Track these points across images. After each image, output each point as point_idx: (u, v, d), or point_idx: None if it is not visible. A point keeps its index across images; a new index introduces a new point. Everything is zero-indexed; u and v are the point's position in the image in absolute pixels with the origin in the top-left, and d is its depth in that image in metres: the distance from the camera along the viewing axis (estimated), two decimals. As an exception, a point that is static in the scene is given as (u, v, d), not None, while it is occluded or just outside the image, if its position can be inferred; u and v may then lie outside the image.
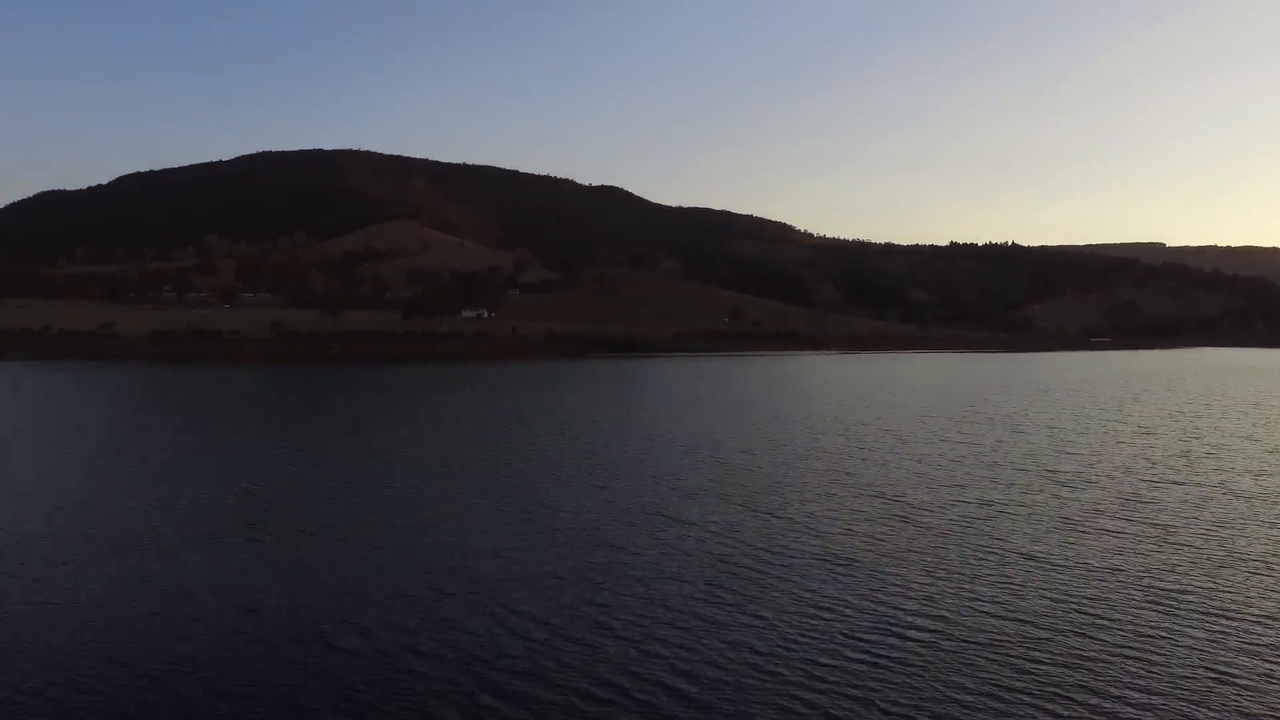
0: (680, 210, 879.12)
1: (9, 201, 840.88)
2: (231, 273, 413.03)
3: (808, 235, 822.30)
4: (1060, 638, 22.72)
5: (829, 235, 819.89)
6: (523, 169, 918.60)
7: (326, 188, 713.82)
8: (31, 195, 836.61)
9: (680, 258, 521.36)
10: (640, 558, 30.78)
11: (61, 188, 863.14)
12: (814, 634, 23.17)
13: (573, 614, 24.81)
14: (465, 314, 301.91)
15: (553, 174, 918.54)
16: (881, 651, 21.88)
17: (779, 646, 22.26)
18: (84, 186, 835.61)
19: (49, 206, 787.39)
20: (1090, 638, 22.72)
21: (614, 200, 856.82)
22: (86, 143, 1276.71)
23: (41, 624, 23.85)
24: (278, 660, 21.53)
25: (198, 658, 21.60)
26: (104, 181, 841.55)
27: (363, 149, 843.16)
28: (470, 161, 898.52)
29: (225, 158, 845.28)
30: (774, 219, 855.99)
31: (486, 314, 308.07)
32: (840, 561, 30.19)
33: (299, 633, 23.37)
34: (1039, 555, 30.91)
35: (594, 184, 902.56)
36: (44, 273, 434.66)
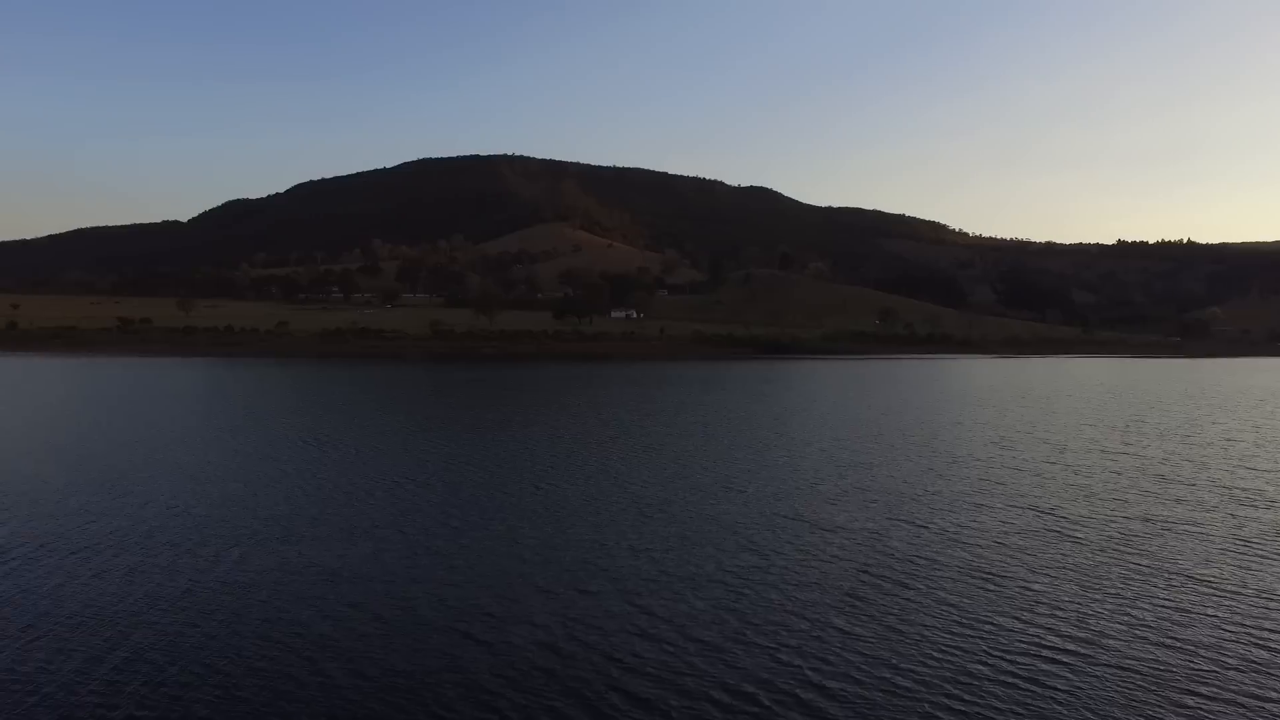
0: (830, 210, 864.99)
1: (201, 210, 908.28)
2: (394, 274, 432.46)
3: (963, 235, 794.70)
4: (1229, 672, 21.07)
5: (986, 235, 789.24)
6: (672, 171, 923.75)
7: (483, 192, 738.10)
8: (219, 204, 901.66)
9: (830, 258, 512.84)
10: (780, 563, 30.50)
11: (245, 196, 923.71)
12: (956, 651, 22.36)
13: (709, 618, 24.81)
14: (614, 314, 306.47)
15: (702, 175, 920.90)
16: (1027, 674, 20.90)
17: (919, 663, 21.61)
18: (264, 195, 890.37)
19: (234, 214, 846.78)
20: (1266, 674, 21.05)
21: (763, 201, 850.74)
22: (267, 155, 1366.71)
23: (211, 602, 25.59)
24: (421, 649, 22.38)
25: (347, 641, 22.76)
26: (281, 190, 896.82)
27: (518, 154, 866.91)
28: (621, 164, 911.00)
29: (389, 165, 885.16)
30: (927, 218, 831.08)
31: (635, 314, 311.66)
32: (988, 576, 29.04)
33: (442, 623, 24.23)
34: (1209, 579, 28.82)
35: (743, 185, 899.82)
36: (229, 275, 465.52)
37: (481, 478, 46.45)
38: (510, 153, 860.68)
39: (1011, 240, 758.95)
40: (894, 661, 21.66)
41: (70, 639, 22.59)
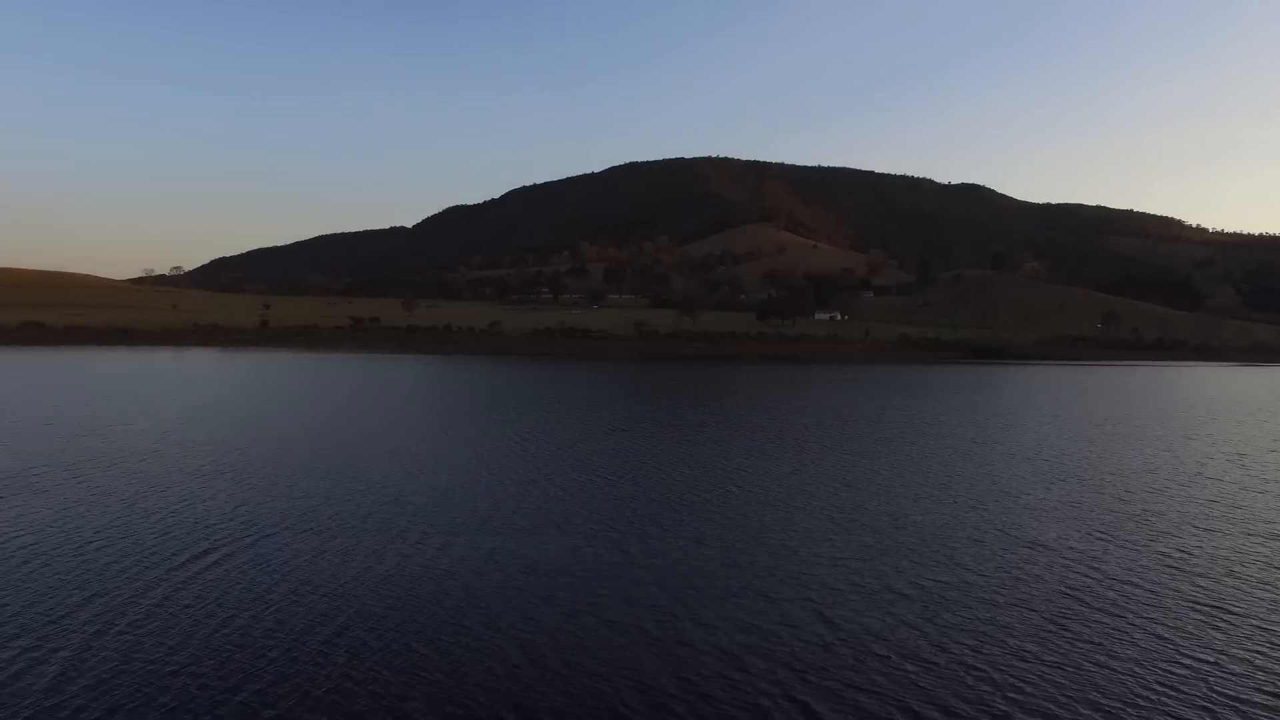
0: (1048, 207, 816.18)
1: (424, 216, 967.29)
2: (601, 276, 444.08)
3: (1200, 231, 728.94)
4: None
5: (1228, 230, 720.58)
6: (879, 169, 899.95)
7: (687, 194, 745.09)
8: (441, 210, 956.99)
9: (1047, 258, 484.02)
10: (979, 580, 29.50)
11: (463, 203, 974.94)
12: (1178, 689, 20.94)
13: (900, 634, 24.41)
14: (818, 316, 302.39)
15: (910, 173, 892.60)
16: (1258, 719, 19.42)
17: (1128, 702, 20.35)
18: (481, 201, 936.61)
19: (453, 219, 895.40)
20: None
21: (975, 198, 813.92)
22: (484, 164, 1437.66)
23: (413, 586, 27.58)
24: (607, 647, 23.25)
25: (536, 634, 23.93)
26: (496, 196, 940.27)
27: (721, 156, 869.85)
28: (825, 164, 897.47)
29: (597, 170, 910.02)
30: (1158, 214, 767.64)
31: (839, 316, 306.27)
32: (1216, 609, 26.90)
33: (630, 623, 25.02)
34: None
35: (953, 182, 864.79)
36: (448, 277, 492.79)
37: (678, 478, 47.31)
38: (714, 155, 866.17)
39: (1260, 235, 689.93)
40: (1098, 699, 20.55)
41: (291, 610, 25.22)
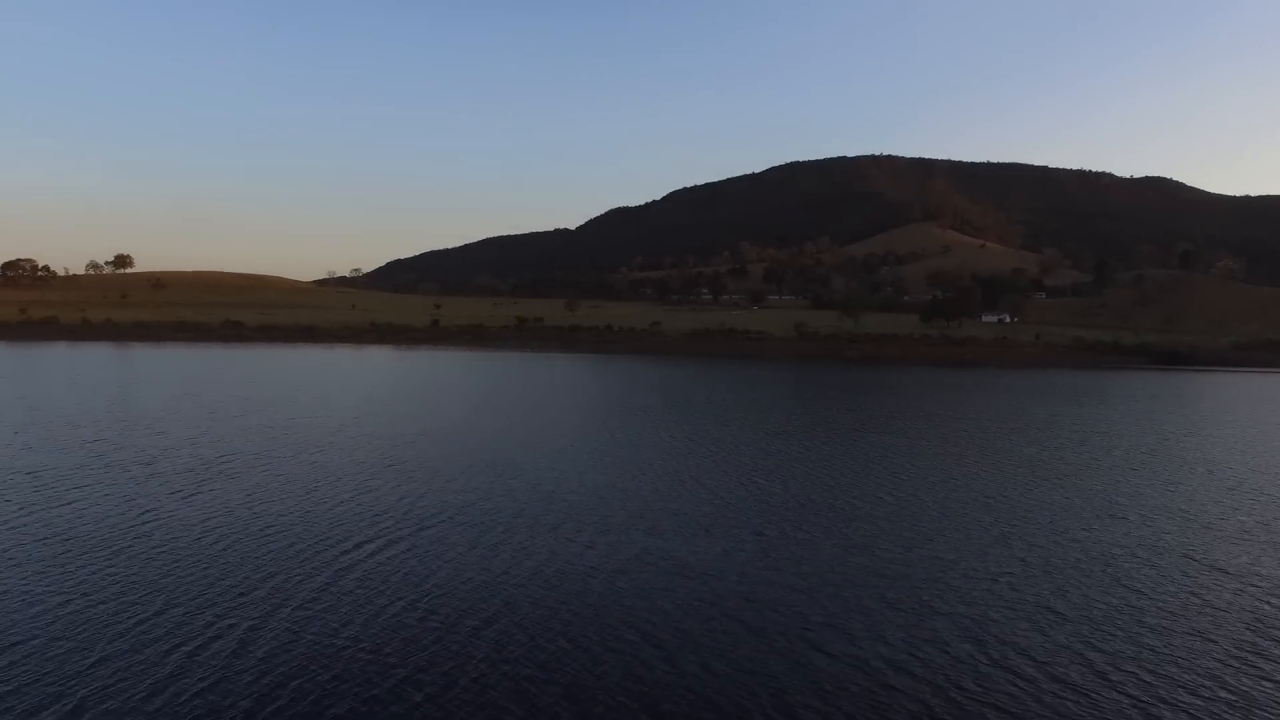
0: (1246, 200, 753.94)
1: (587, 218, 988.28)
2: (761, 276, 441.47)
3: None
4: None
5: None
6: (1053, 164, 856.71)
7: (849, 193, 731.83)
8: (603, 212, 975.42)
9: (1244, 257, 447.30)
10: (1157, 604, 27.58)
11: (625, 204, 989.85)
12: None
13: (1067, 657, 23.09)
14: (986, 318, 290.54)
15: (1087, 167, 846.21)
16: None
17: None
18: (642, 202, 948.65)
19: (615, 221, 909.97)
20: None
21: (1160, 192, 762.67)
22: (646, 165, 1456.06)
23: (578, 584, 28.11)
24: (763, 651, 23.05)
25: (695, 635, 23.96)
26: (658, 197, 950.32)
27: (885, 154, 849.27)
28: (994, 159, 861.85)
29: (758, 170, 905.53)
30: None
31: (1008, 318, 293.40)
32: None
33: (786, 628, 24.73)
34: None
35: (1136, 175, 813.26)
36: (610, 278, 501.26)
37: (836, 482, 46.47)
38: (877, 153, 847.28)
39: None
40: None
41: (445, 599, 26.20)
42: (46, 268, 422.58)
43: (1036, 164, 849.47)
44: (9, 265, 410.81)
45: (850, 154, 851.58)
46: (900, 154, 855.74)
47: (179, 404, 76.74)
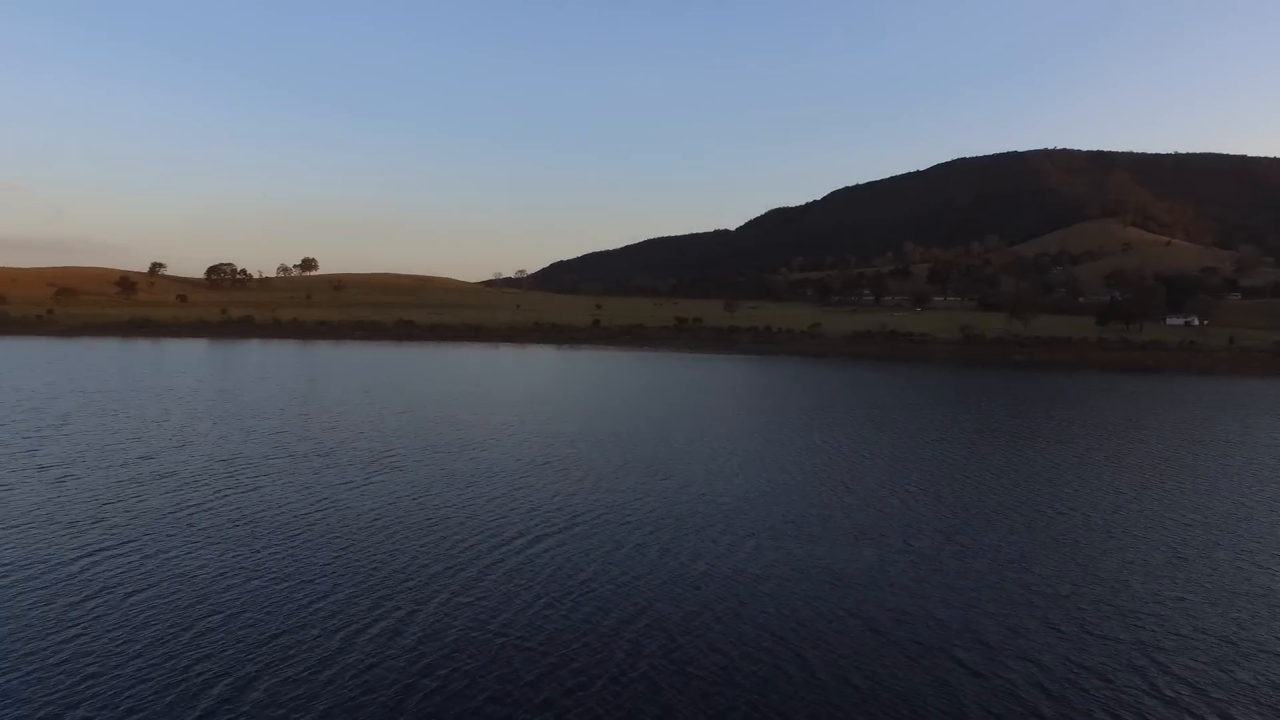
0: None
1: (747, 219, 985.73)
2: (924, 277, 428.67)
3: None
4: None
5: None
6: (1251, 152, 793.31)
7: (1019, 190, 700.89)
8: (762, 213, 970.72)
9: None
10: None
11: (785, 205, 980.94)
12: None
13: (1268, 695, 21.61)
14: (1171, 321, 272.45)
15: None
16: None
17: None
18: (803, 203, 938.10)
19: (775, 222, 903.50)
20: None
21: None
22: (807, 165, 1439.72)
23: (724, 587, 28.32)
24: (910, 666, 22.66)
25: (840, 646, 23.80)
26: (818, 197, 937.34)
27: (1059, 147, 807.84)
28: (1183, 150, 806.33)
29: (922, 168, 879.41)
30: None
31: (1197, 321, 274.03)
32: None
33: (935, 644, 24.18)
34: None
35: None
36: (769, 279, 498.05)
37: (997, 494, 44.79)
38: (1050, 146, 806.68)
39: None
40: None
41: (611, 598, 26.96)
42: (244, 271, 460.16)
43: (1232, 153, 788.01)
44: (213, 269, 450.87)
45: (1021, 149, 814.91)
46: (1076, 147, 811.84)
47: (354, 399, 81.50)
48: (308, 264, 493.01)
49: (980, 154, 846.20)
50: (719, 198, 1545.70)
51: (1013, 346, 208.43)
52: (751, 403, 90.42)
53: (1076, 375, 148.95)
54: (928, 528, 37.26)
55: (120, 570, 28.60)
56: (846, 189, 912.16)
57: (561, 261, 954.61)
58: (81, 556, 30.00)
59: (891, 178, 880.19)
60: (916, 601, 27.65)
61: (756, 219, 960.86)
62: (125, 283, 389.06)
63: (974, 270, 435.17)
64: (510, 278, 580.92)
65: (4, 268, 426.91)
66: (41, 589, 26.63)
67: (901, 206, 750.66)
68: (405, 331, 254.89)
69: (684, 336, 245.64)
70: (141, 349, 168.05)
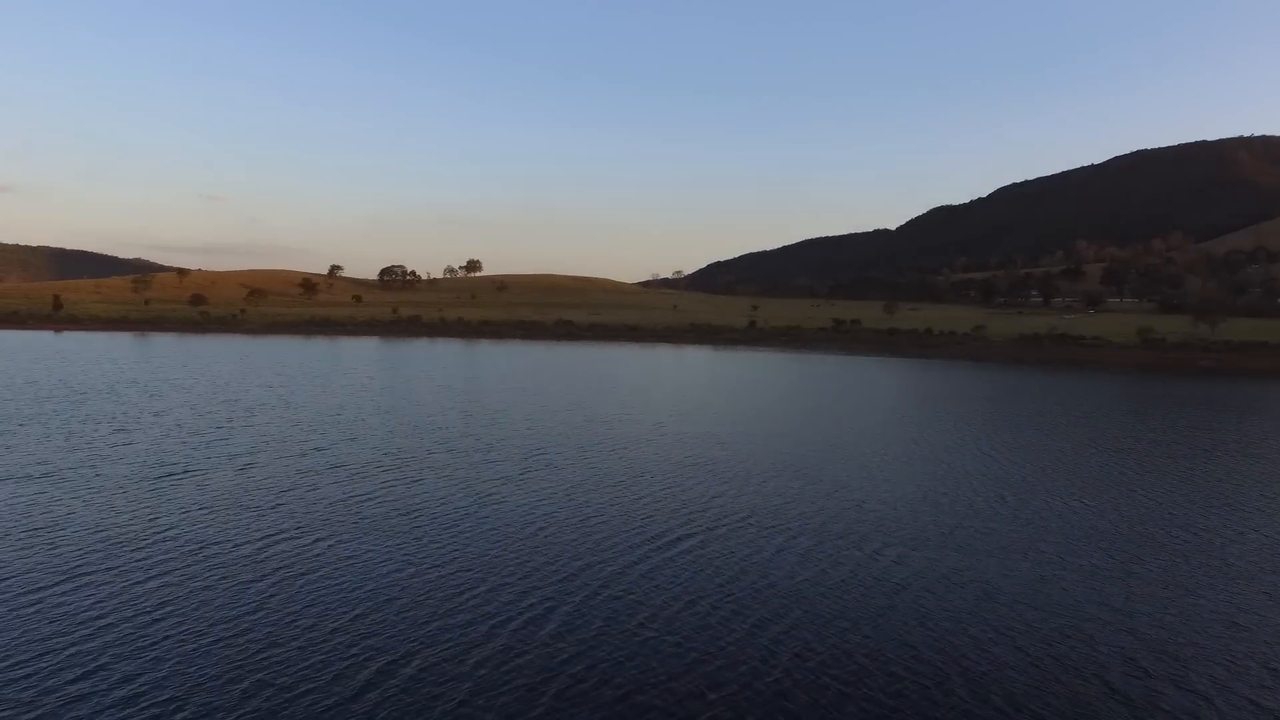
0: None
1: (908, 218, 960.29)
2: (1098, 277, 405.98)
3: None
4: None
5: None
6: None
7: (1208, 182, 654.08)
8: (924, 211, 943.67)
9: None
10: None
11: (948, 203, 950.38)
12: None
13: None
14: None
15: None
16: None
17: None
18: (967, 200, 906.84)
19: (937, 220, 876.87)
20: None
21: None
22: (972, 161, 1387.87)
23: (866, 596, 27.62)
24: (1079, 693, 21.45)
25: (982, 664, 22.77)
26: (983, 194, 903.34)
27: (1257, 134, 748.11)
28: None
29: (1098, 161, 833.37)
30: None
31: None
32: None
33: (1100, 673, 22.74)
34: None
35: None
36: (931, 280, 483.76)
37: (1171, 512, 41.73)
38: (1246, 134, 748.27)
39: None
40: None
41: (750, 602, 26.71)
42: (413, 273, 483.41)
43: None
44: (385, 271, 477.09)
45: (1211, 137, 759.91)
46: (1278, 134, 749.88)
47: (513, 397, 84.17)
48: (473, 265, 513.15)
49: (1164, 144, 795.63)
50: (879, 196, 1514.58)
51: (1198, 352, 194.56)
52: (909, 407, 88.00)
53: (1273, 384, 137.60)
54: (1090, 545, 35.18)
55: (294, 553, 30.55)
56: (1014, 185, 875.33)
57: (718, 262, 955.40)
58: (261, 538, 32.22)
59: (1063, 172, 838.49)
60: (1077, 623, 26.13)
61: (917, 218, 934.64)
62: (307, 284, 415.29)
63: (1154, 270, 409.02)
64: (667, 278, 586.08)
65: (207, 271, 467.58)
66: (225, 566, 28.74)
67: (1074, 203, 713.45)
68: (564, 331, 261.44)
69: (841, 338, 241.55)
70: (319, 346, 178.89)
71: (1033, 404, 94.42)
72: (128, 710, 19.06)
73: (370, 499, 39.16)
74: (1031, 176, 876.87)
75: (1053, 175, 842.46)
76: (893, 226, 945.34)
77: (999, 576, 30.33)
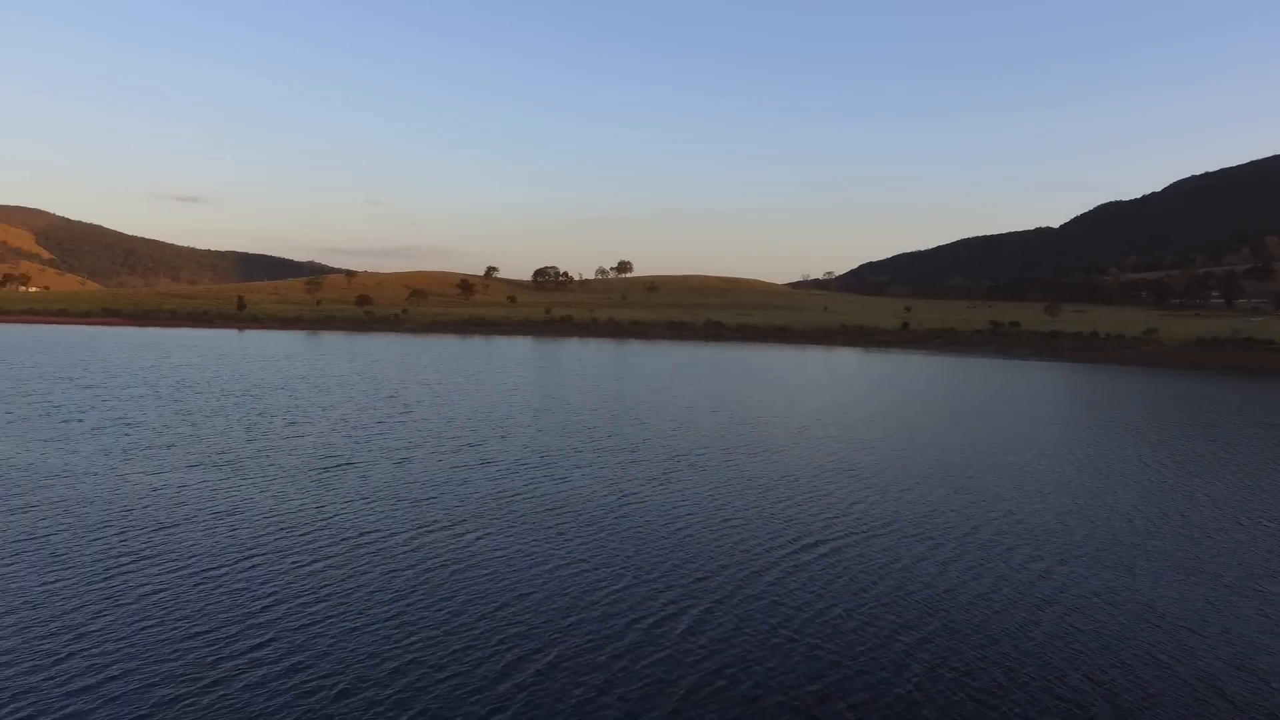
0: None
1: (1073, 215, 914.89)
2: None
3: None
4: None
5: None
6: None
7: None
8: (1091, 208, 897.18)
9: None
10: None
11: (1118, 198, 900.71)
12: None
13: None
14: None
15: None
16: None
17: None
18: (1138, 195, 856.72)
19: (1106, 217, 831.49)
20: None
21: None
22: (1144, 154, 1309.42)
23: (1007, 611, 26.63)
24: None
25: (1154, 693, 21.64)
26: (1157, 189, 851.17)
27: None
28: None
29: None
30: None
31: None
32: None
33: (1245, 698, 21.45)
34: None
35: None
36: (1097, 280, 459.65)
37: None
38: None
39: None
40: None
41: (882, 611, 26.19)
42: (566, 274, 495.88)
43: None
44: (539, 272, 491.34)
45: None
46: None
47: (661, 398, 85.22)
48: (623, 266, 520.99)
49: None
50: (1040, 192, 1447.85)
51: None
52: (1068, 413, 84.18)
53: None
54: (1270, 571, 32.47)
55: (444, 544, 32.10)
56: (1193, 178, 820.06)
57: (870, 262, 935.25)
58: (415, 529, 33.98)
59: (1251, 162, 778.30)
60: (1242, 653, 24.24)
61: (1083, 215, 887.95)
62: (465, 285, 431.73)
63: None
64: (818, 279, 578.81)
65: (371, 272, 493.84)
66: (381, 553, 30.50)
67: (1264, 196, 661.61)
68: (714, 332, 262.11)
69: (998, 341, 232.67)
70: (475, 345, 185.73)
71: (1211, 413, 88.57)
72: (294, 678, 20.63)
73: (518, 495, 40.61)
74: (1213, 168, 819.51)
75: (1238, 166, 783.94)
76: (1055, 224, 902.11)
77: (1157, 597, 28.79)
